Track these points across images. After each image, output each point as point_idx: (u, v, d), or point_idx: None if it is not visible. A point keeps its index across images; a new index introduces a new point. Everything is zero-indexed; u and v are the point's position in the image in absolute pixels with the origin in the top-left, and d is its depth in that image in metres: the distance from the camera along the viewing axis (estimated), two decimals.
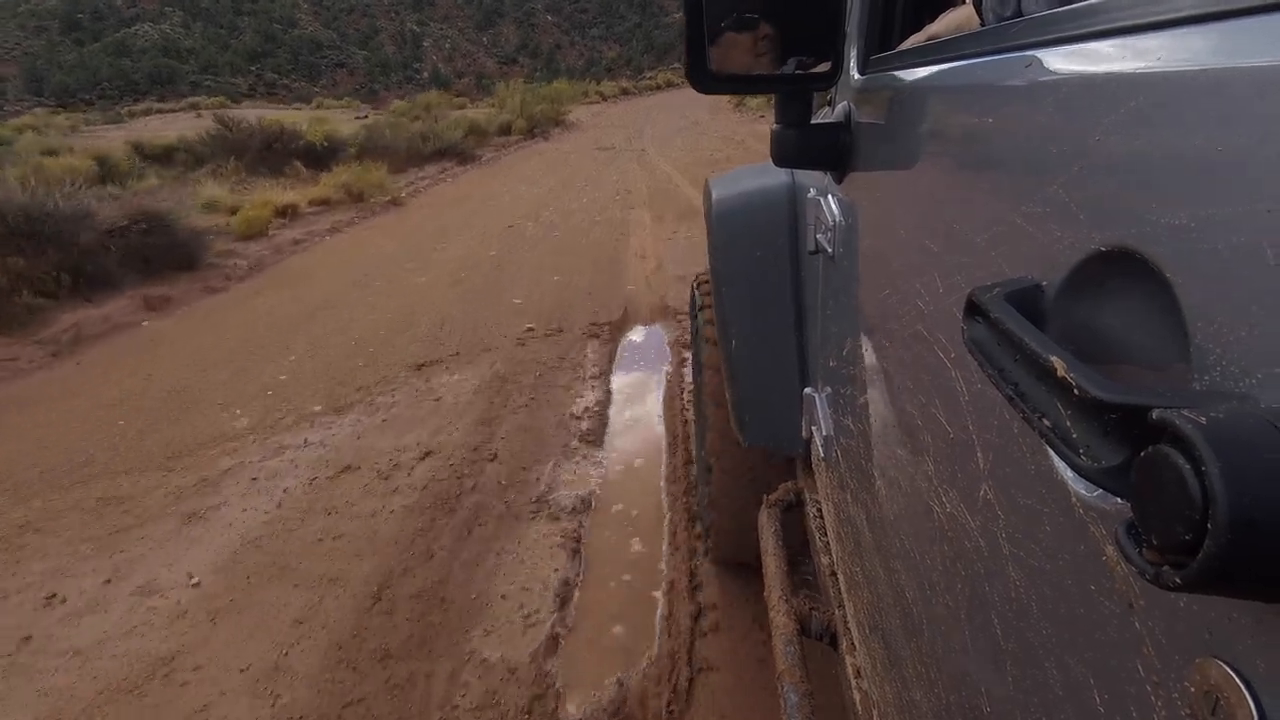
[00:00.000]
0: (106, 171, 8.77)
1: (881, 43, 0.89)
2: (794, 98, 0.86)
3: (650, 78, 39.23)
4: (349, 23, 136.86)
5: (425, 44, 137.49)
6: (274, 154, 9.65)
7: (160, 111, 29.36)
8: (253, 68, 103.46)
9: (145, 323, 4.45)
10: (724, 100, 19.40)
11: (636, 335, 3.85)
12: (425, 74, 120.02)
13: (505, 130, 15.09)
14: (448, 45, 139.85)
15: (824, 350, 1.07)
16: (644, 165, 10.44)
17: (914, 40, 0.79)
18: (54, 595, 1.93)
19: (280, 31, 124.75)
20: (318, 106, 31.07)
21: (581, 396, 3.05)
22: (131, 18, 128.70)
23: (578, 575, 1.95)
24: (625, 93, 35.65)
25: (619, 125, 18.24)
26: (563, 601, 1.83)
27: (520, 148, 14.23)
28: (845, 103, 0.90)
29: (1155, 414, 0.23)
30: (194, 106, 29.97)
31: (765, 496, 1.40)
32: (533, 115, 15.68)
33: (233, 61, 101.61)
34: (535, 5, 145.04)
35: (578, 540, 2.09)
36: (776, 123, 0.87)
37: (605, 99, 31.31)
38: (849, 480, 0.87)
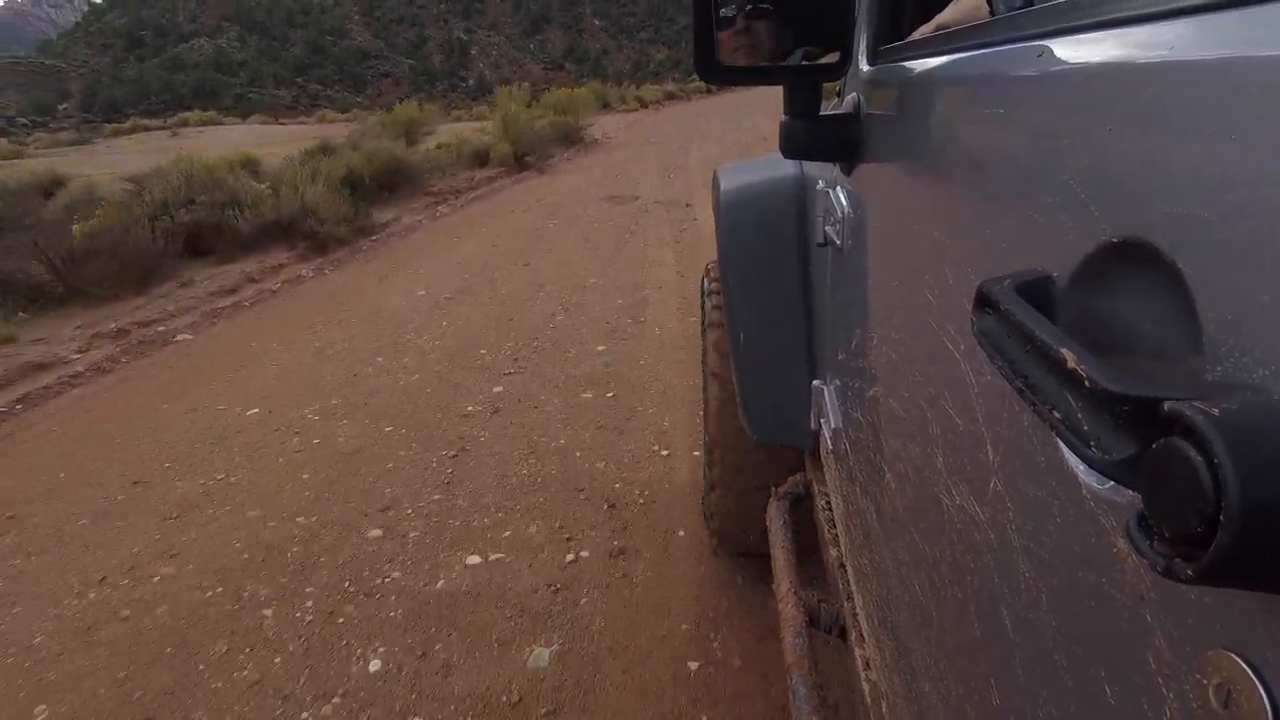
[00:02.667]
0: None
1: (891, 33, 0.88)
2: (802, 89, 0.85)
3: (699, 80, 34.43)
4: (398, 32, 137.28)
5: (473, 52, 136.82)
6: None
7: (147, 128, 26.33)
8: (298, 79, 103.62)
9: None
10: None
11: None
12: (471, 81, 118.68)
13: (482, 159, 9.61)
14: (494, 52, 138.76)
15: (832, 342, 1.07)
16: (688, 252, 4.99)
17: (924, 30, 0.78)
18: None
19: (330, 43, 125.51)
20: (320, 120, 27.50)
21: None
22: (190, 33, 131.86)
23: None
24: (670, 97, 30.64)
25: (655, 143, 12.36)
26: None
27: (483, 196, 8.19)
28: (854, 94, 0.89)
29: (1167, 406, 0.23)
30: (183, 123, 26.78)
31: (774, 489, 1.42)
32: (529, 135, 10.20)
33: (277, 73, 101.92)
34: (583, 10, 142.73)
35: None
36: (785, 114, 0.86)
37: (645, 105, 26.51)
38: (858, 473, 0.87)
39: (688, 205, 6.75)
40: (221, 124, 26.77)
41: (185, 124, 26.44)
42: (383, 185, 7.58)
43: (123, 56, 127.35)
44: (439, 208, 7.60)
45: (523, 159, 9.79)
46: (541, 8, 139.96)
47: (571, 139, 12.39)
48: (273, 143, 11.14)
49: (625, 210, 6.86)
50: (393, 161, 7.89)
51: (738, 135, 11.83)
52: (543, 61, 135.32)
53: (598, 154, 11.46)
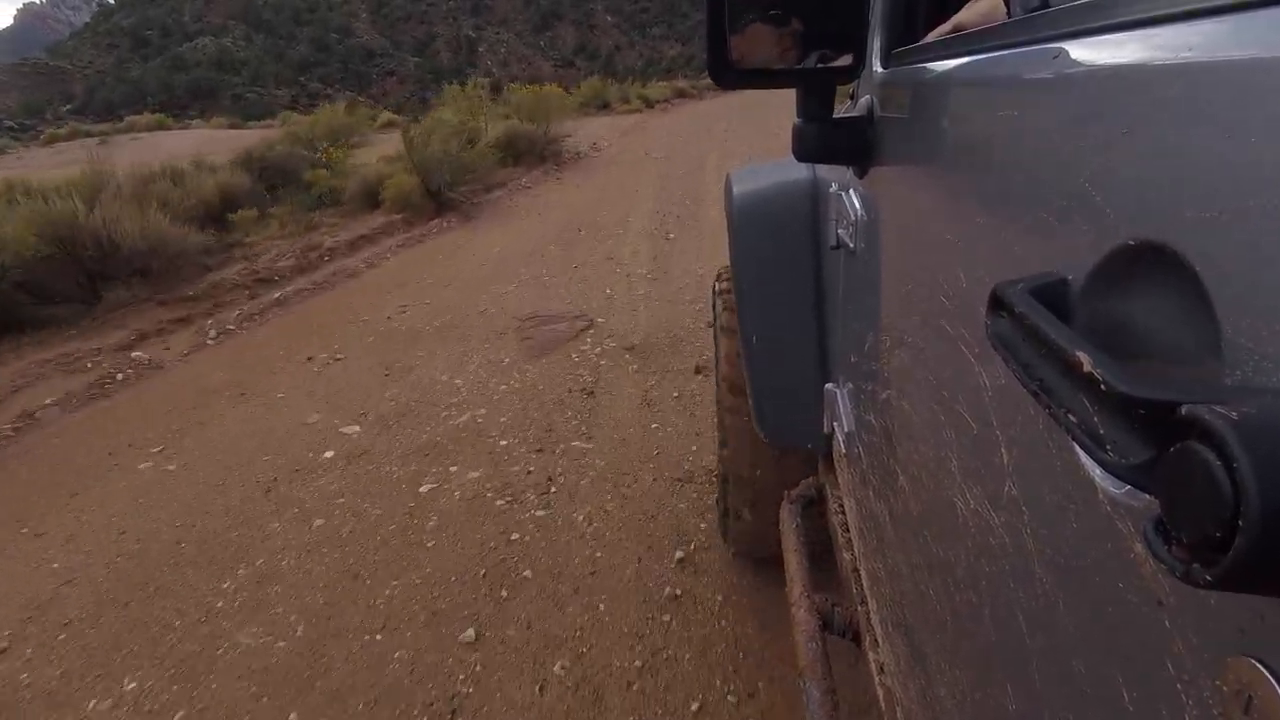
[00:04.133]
0: None
1: (905, 35, 0.88)
2: (815, 92, 0.84)
3: None
4: (405, 30, 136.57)
5: (480, 49, 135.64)
6: None
7: (89, 134, 23.29)
8: (301, 78, 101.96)
9: None
10: None
11: None
12: (478, 79, 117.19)
13: (373, 198, 6.19)
14: (503, 49, 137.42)
15: (845, 345, 1.06)
16: None
17: (938, 32, 0.77)
18: None
19: (335, 42, 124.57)
20: (284, 123, 24.32)
21: None
22: (196, 32, 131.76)
23: None
24: (681, 95, 27.10)
25: (656, 158, 8.76)
26: None
27: (307, 292, 4.34)
28: (868, 96, 0.88)
29: (1184, 409, 0.22)
30: (131, 127, 23.67)
31: (786, 492, 1.40)
32: (455, 158, 6.48)
33: (278, 72, 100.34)
34: (594, 6, 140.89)
35: None
36: (798, 117, 0.85)
37: (651, 105, 23.02)
38: (871, 476, 0.87)
39: (698, 373, 2.76)
40: (170, 129, 23.71)
41: (131, 129, 23.38)
42: (93, 275, 3.94)
43: (128, 57, 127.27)
44: (160, 343, 3.48)
45: (441, 196, 6.33)
46: (552, 4, 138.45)
47: (542, 155, 9.04)
48: (211, 152, 8.48)
49: (549, 380, 2.82)
50: (83, 238, 3.77)
51: (766, 144, 8.41)
52: (553, 58, 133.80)
53: (572, 177, 8.06)
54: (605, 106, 19.74)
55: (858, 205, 0.91)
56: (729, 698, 1.44)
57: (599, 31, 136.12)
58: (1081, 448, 0.29)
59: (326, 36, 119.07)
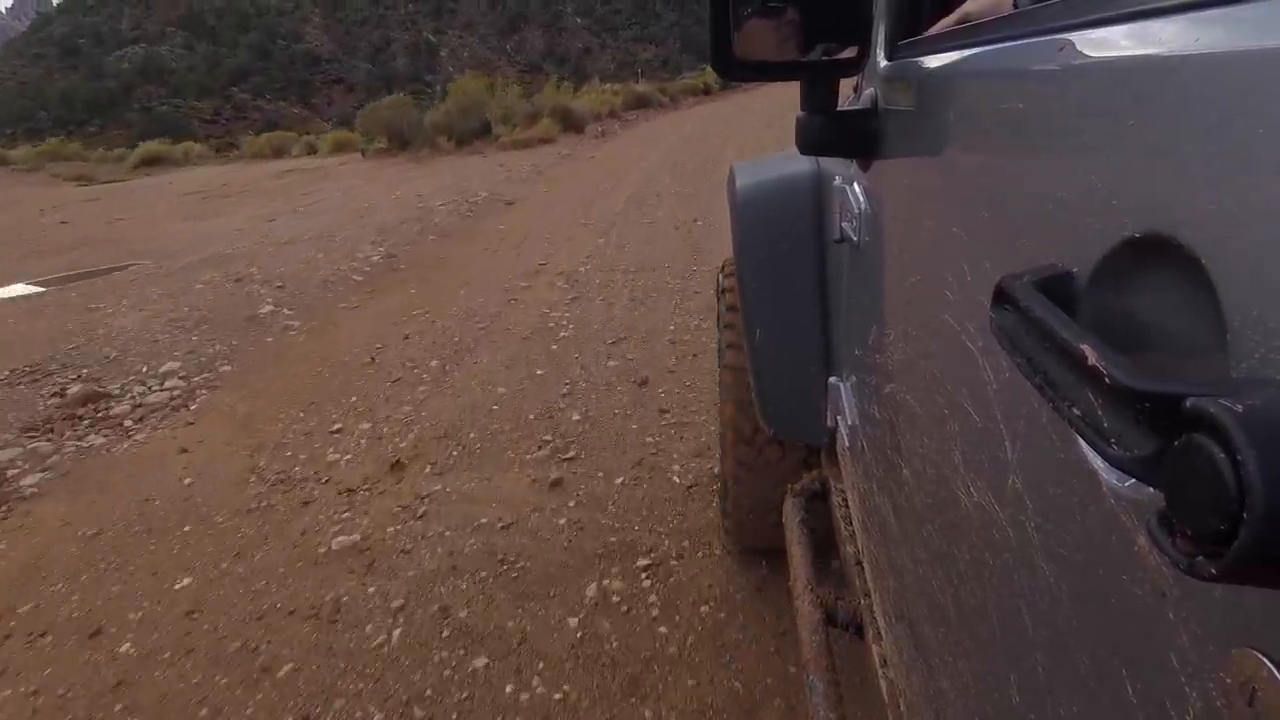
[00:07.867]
0: None
1: (910, 27, 0.88)
2: (819, 84, 0.85)
3: (693, 78, 23.14)
4: (361, 35, 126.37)
5: (442, 54, 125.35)
6: None
7: None
8: (233, 88, 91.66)
9: None
10: None
11: None
12: (438, 87, 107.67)
13: None
14: (466, 54, 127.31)
15: (849, 339, 1.06)
16: None
17: (944, 24, 0.78)
18: None
19: (280, 49, 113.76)
20: (38, 156, 15.43)
21: None
22: (133, 39, 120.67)
23: None
24: (642, 105, 18.57)
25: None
26: None
27: None
28: (872, 89, 0.89)
29: (1189, 402, 0.22)
30: None
31: (790, 486, 1.42)
32: None
33: (201, 82, 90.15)
34: (563, 9, 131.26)
35: None
36: (802, 110, 0.86)
37: (578, 129, 14.34)
38: (874, 469, 0.87)
39: None
40: None
41: None
42: None
43: (55, 67, 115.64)
44: None
45: None
46: (519, 6, 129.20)
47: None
48: None
49: None
50: None
51: None
52: (519, 64, 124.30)
53: None
54: (486, 131, 10.89)
55: (861, 198, 0.91)
56: None
57: (568, 34, 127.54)
58: (1086, 441, 0.28)
59: (273, 44, 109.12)
